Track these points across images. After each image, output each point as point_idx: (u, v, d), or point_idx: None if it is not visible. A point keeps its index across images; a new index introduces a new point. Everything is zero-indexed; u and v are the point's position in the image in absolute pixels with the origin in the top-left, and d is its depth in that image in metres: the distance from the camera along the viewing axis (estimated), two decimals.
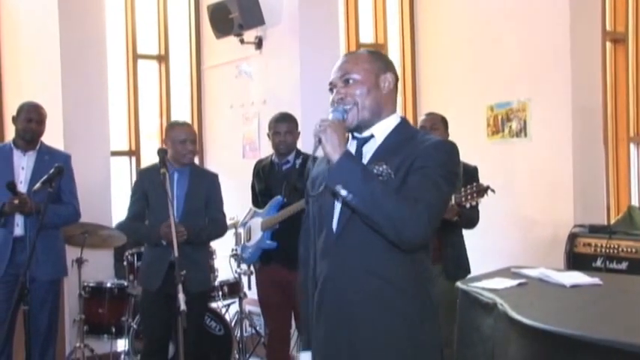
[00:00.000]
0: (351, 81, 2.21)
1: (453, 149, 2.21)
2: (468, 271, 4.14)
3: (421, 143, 2.16)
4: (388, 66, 2.29)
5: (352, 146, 2.25)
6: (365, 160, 2.21)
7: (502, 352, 2.83)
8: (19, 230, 4.22)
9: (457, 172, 2.27)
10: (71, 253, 4.75)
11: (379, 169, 2.12)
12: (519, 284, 3.22)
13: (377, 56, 2.30)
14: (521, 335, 2.63)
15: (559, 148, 5.37)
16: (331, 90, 2.26)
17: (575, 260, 4.86)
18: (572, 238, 4.96)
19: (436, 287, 3.97)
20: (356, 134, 2.25)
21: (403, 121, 2.29)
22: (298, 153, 4.42)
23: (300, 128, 4.50)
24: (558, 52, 5.38)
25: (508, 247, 5.54)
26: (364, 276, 2.14)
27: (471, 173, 4.19)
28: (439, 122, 4.30)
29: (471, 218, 4.09)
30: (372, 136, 2.23)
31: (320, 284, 2.24)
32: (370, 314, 2.14)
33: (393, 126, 2.24)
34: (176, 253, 3.46)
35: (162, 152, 3.97)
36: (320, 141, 2.07)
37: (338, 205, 2.19)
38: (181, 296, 3.28)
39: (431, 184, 2.06)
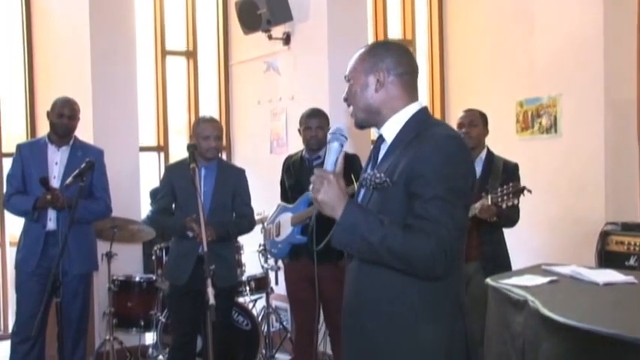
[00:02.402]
0: (350, 82, 2.19)
1: (454, 148, 2.03)
2: (509, 270, 3.99)
3: (422, 143, 2.02)
4: (381, 62, 2.13)
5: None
6: (379, 160, 2.17)
7: (533, 350, 2.80)
8: (51, 224, 4.28)
9: (465, 172, 2.05)
10: (101, 247, 4.79)
11: (376, 180, 2.05)
12: (550, 281, 3.19)
13: (371, 53, 2.18)
14: (553, 333, 2.60)
15: (591, 144, 5.31)
16: None
17: (607, 258, 4.80)
18: (604, 236, 4.89)
19: (473, 285, 4.01)
20: (377, 132, 2.20)
21: (414, 116, 2.13)
22: None
23: (330, 124, 4.49)
24: (591, 46, 5.30)
25: (537, 244, 5.49)
26: (377, 301, 2.10)
27: (511, 171, 4.14)
28: (478, 118, 4.25)
29: (510, 218, 4.04)
30: (382, 137, 2.17)
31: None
32: (388, 338, 2.08)
33: (402, 125, 2.12)
34: (205, 248, 3.47)
35: (191, 147, 3.98)
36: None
37: None
38: (210, 290, 3.28)
39: (441, 209, 1.93)
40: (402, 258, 1.94)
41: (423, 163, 1.98)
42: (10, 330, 5.21)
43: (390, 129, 2.14)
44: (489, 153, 4.23)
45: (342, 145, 2.07)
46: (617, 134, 5.31)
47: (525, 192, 3.77)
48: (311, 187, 2.01)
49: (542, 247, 5.47)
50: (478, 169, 4.05)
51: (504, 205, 3.73)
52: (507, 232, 4.25)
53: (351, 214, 1.97)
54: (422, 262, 1.93)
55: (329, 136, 2.10)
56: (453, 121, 4.67)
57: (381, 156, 2.16)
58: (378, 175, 2.05)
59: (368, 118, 2.16)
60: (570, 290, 3.09)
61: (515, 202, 3.77)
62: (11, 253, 5.55)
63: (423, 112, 2.17)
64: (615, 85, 5.29)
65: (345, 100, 2.19)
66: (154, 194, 5.38)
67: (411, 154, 2.01)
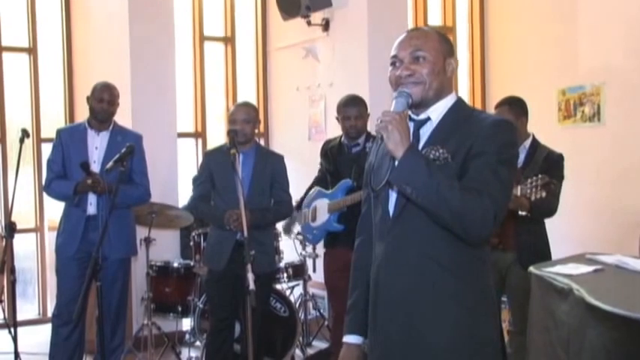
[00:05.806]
0: (421, 59, 2.13)
1: (511, 128, 2.12)
2: (548, 260, 3.89)
3: (478, 123, 2.10)
4: (452, 50, 2.22)
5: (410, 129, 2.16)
6: (421, 143, 2.15)
7: (578, 338, 2.76)
8: (92, 209, 4.31)
9: (516, 153, 2.22)
10: (139, 232, 4.82)
11: (435, 153, 2.07)
12: (595, 270, 3.13)
13: (444, 38, 2.23)
14: (599, 321, 2.56)
15: (637, 132, 5.19)
16: (393, 64, 2.18)
17: None
18: None
19: (512, 274, 3.94)
20: (413, 116, 2.18)
21: (459, 100, 2.21)
22: (368, 135, 4.35)
23: (368, 110, 4.44)
24: (638, 34, 5.17)
25: (580, 234, 5.41)
26: (420, 260, 2.09)
27: (553, 161, 4.03)
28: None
29: (541, 209, 3.93)
30: (428, 118, 2.17)
31: (375, 267, 2.21)
32: (426, 299, 2.09)
33: (449, 106, 2.17)
34: (245, 233, 3.46)
35: (232, 133, 3.98)
36: (382, 138, 2.02)
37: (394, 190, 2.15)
38: (250, 275, 3.28)
39: (493, 175, 2.01)
40: (456, 210, 1.97)
41: (482, 141, 2.04)
42: (49, 314, 5.29)
43: (437, 111, 2.17)
44: (534, 142, 4.12)
45: (408, 103, 2.10)
46: None
47: (563, 183, 3.71)
48: (378, 121, 2.02)
49: (586, 236, 5.38)
50: (521, 157, 3.99)
51: (533, 198, 3.65)
52: (550, 222, 4.16)
53: (415, 154, 2.01)
54: (474, 219, 1.97)
55: (395, 94, 2.13)
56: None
57: (425, 136, 2.16)
58: (440, 150, 2.07)
59: (433, 98, 2.16)
60: (616, 279, 3.05)
61: (544, 194, 3.67)
62: (50, 238, 5.63)
63: (462, 100, 2.24)
64: None
65: (410, 75, 2.13)
66: (196, 181, 5.41)
67: (467, 134, 2.07)
